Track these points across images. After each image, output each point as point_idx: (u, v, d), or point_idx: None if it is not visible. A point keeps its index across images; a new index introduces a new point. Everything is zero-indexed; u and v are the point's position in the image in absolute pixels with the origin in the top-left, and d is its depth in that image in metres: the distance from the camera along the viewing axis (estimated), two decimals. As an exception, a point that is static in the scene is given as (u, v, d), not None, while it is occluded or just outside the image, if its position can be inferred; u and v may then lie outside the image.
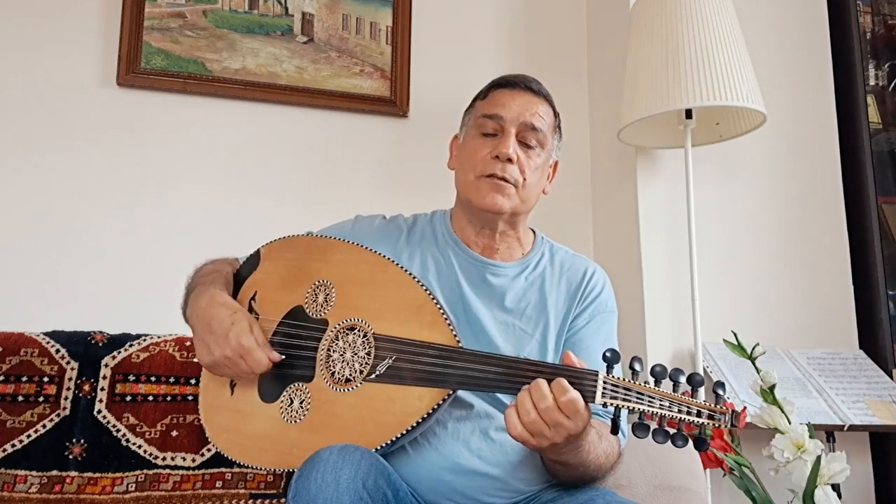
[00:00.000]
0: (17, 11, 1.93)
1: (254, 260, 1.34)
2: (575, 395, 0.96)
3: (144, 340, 1.61)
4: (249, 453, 1.20)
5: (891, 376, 1.99)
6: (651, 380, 0.96)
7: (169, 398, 1.58)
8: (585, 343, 1.27)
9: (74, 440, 1.49)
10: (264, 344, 1.18)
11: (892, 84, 2.40)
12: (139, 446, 1.53)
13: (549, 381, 0.98)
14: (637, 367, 0.97)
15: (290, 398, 1.18)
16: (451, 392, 1.08)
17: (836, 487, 1.56)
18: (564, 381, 0.97)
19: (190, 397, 1.59)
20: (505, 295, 1.29)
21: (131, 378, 1.57)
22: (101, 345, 1.57)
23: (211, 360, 1.17)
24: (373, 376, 1.13)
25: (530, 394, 0.98)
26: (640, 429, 0.94)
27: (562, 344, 1.28)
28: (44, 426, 1.49)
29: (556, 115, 1.36)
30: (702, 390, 0.96)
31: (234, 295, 1.31)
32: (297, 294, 1.25)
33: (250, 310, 1.29)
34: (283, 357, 1.19)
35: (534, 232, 1.41)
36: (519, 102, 1.29)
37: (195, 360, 1.57)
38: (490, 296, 1.29)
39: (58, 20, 1.95)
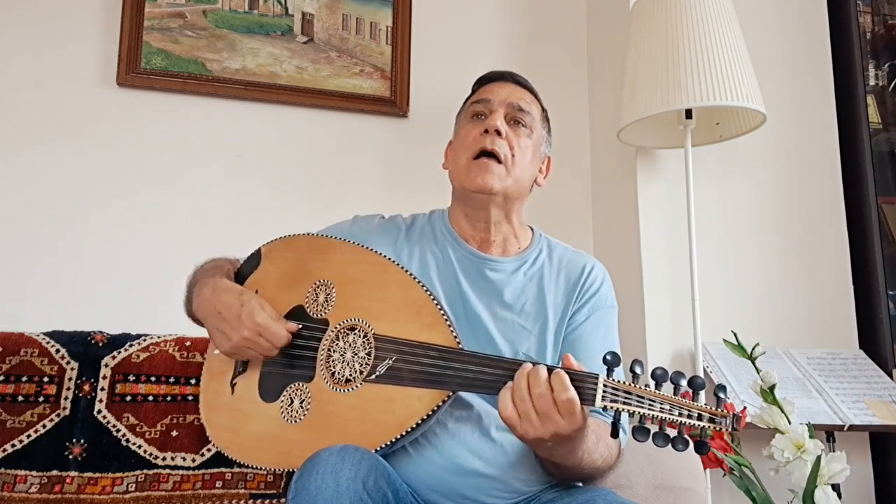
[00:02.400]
0: (18, 11, 1.93)
1: (254, 259, 1.34)
2: (573, 394, 0.95)
3: (144, 340, 1.60)
4: (250, 453, 1.20)
5: (891, 376, 1.99)
6: (652, 383, 0.96)
7: (169, 398, 1.58)
8: (585, 339, 1.27)
9: (74, 440, 1.49)
10: (278, 317, 1.19)
11: (892, 84, 2.40)
12: (139, 446, 1.52)
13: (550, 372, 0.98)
14: (638, 370, 0.96)
15: (291, 398, 1.18)
16: (451, 393, 1.08)
17: (836, 487, 1.56)
18: (565, 377, 0.96)
19: (190, 397, 1.58)
20: (503, 291, 1.29)
21: (131, 378, 1.57)
22: (101, 345, 1.57)
23: (231, 345, 1.18)
24: (373, 377, 1.13)
25: (527, 376, 0.98)
26: (640, 432, 0.93)
27: (561, 340, 1.28)
28: (44, 426, 1.49)
29: (543, 110, 1.38)
30: (703, 393, 0.96)
31: None
32: (298, 293, 1.25)
33: None
34: (301, 325, 1.20)
35: (532, 229, 1.41)
36: (506, 90, 1.33)
37: (195, 359, 1.58)
38: (489, 292, 1.28)
39: (58, 20, 1.95)
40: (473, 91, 1.39)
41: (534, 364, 1.01)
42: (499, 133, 1.27)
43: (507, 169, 1.27)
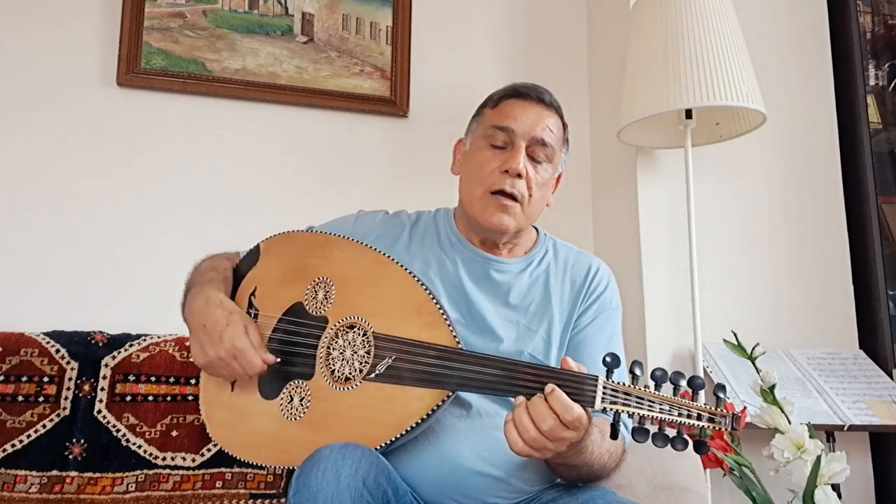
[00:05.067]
0: (18, 12, 1.93)
1: (253, 255, 1.34)
2: (578, 410, 0.96)
3: (144, 340, 1.61)
4: (250, 450, 1.21)
5: (891, 376, 1.99)
6: (651, 384, 0.96)
7: (169, 398, 1.58)
8: (590, 341, 1.28)
9: (74, 440, 1.49)
10: (259, 345, 1.18)
11: (892, 84, 2.40)
12: (139, 446, 1.53)
13: (546, 392, 0.97)
14: (637, 371, 0.97)
15: (291, 395, 1.18)
16: (450, 393, 1.08)
17: (836, 487, 1.56)
18: (563, 397, 0.96)
19: (190, 397, 1.59)
20: (510, 291, 1.29)
21: (131, 378, 1.57)
22: (101, 345, 1.58)
23: (205, 360, 1.18)
24: (372, 375, 1.13)
25: (528, 412, 0.97)
26: (639, 433, 0.93)
27: (566, 341, 1.28)
28: (44, 426, 1.49)
29: (564, 126, 1.35)
30: (702, 393, 0.96)
31: (234, 290, 1.31)
32: (297, 290, 1.25)
33: (250, 305, 1.29)
34: (278, 360, 1.20)
35: (536, 229, 1.41)
36: (531, 115, 1.28)
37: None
38: (494, 292, 1.29)
39: (58, 20, 1.95)
40: (496, 103, 1.33)
41: (530, 371, 1.01)
42: (519, 175, 1.25)
43: (522, 207, 1.27)
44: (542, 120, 1.28)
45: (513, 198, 1.25)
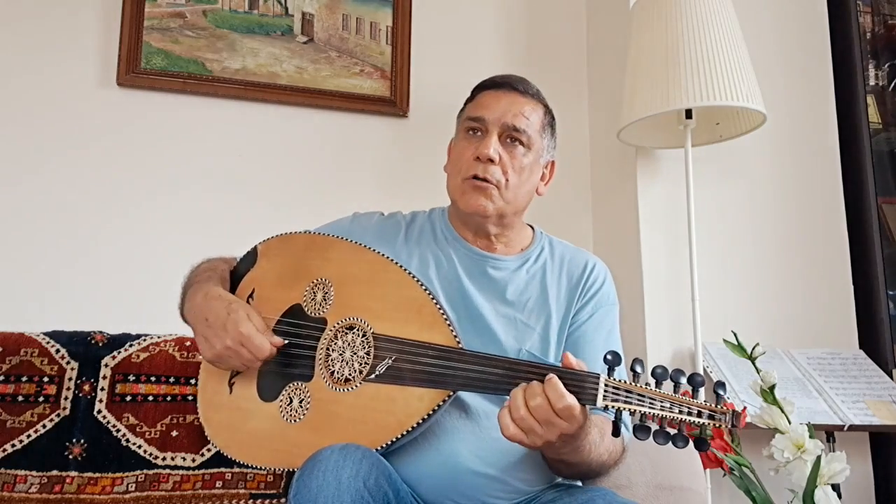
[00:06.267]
0: (18, 12, 1.93)
1: (251, 257, 1.34)
2: (570, 400, 0.96)
3: (144, 340, 1.60)
4: (249, 452, 1.20)
5: (891, 376, 1.99)
6: (652, 381, 0.96)
7: (169, 398, 1.58)
8: (589, 337, 1.28)
9: (74, 440, 1.49)
10: (265, 329, 1.18)
11: (892, 84, 2.40)
12: (139, 446, 1.52)
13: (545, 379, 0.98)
14: (638, 369, 0.97)
15: (290, 397, 1.18)
16: (451, 393, 1.08)
17: (836, 487, 1.56)
18: (559, 384, 0.96)
19: (190, 397, 1.58)
20: (506, 288, 1.29)
21: (131, 378, 1.57)
22: (101, 345, 1.57)
23: (213, 353, 1.17)
24: (372, 376, 1.13)
25: (523, 392, 0.98)
26: (640, 431, 0.94)
27: (564, 338, 1.28)
28: (44, 426, 1.49)
29: (547, 113, 1.35)
30: (702, 391, 0.96)
31: (232, 292, 1.31)
32: (296, 292, 1.25)
33: None
34: (287, 341, 1.19)
35: (532, 228, 1.41)
36: (503, 103, 1.29)
37: (195, 359, 1.58)
38: (491, 289, 1.29)
39: (58, 20, 1.95)
40: (472, 97, 1.36)
41: (532, 369, 1.01)
42: (491, 160, 1.26)
43: (500, 191, 1.27)
44: (515, 107, 1.29)
45: (486, 182, 1.26)
